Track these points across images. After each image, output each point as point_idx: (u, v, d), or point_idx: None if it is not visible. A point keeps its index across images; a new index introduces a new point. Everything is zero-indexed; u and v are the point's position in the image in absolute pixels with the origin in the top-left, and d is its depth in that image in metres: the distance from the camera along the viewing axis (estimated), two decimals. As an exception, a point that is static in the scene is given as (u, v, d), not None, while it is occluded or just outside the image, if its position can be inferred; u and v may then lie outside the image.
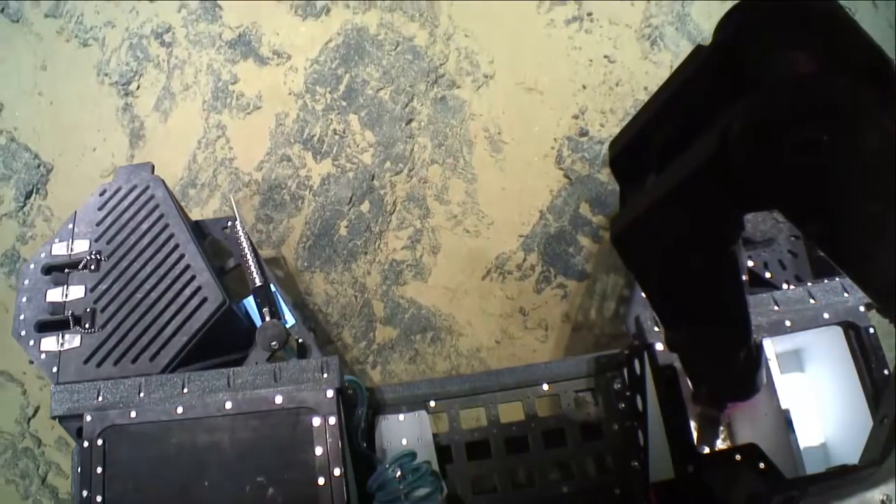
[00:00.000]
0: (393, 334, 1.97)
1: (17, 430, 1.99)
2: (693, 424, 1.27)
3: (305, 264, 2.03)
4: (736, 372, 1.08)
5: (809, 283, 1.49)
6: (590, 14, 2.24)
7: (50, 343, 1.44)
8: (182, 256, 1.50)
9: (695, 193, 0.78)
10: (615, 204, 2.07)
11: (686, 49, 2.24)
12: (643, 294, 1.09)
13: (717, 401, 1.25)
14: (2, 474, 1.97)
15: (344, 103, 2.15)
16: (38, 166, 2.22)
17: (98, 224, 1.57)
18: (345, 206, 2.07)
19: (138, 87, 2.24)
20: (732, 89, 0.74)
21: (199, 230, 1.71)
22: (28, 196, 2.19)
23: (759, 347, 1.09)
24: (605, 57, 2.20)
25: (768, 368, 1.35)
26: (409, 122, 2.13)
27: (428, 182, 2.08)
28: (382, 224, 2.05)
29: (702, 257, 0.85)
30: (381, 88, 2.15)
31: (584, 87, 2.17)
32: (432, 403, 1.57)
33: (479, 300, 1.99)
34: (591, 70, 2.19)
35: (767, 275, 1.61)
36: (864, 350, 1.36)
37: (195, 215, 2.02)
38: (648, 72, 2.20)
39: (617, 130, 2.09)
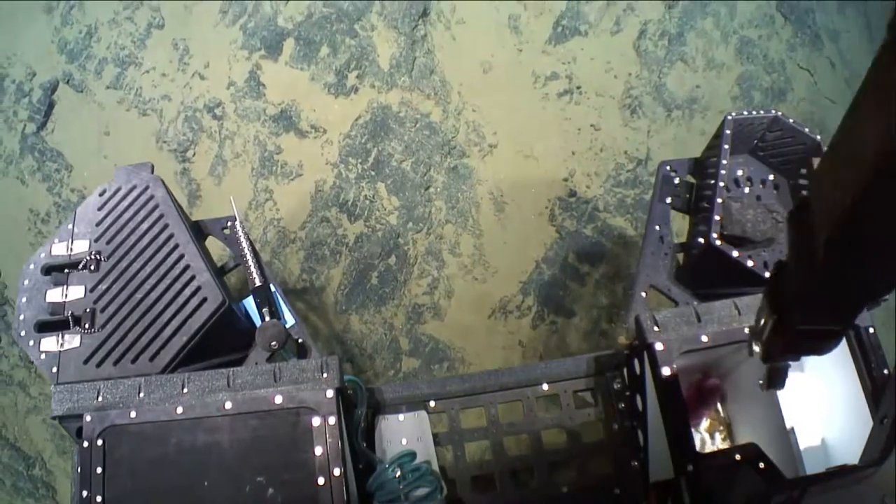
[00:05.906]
0: (416, 364, 2.30)
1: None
2: (770, 370, 1.05)
3: (343, 308, 2.38)
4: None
5: (810, 283, 1.46)
6: (579, 87, 2.59)
7: (50, 343, 1.41)
8: (182, 256, 1.48)
9: None
10: (597, 254, 2.48)
11: (661, 115, 2.62)
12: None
13: (796, 351, 1.04)
14: (69, 474, 2.28)
15: (373, 173, 2.49)
16: (108, 220, 2.59)
17: (98, 224, 1.55)
18: (375, 259, 2.42)
19: (194, 154, 2.57)
20: None
21: (199, 230, 1.68)
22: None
23: None
24: (592, 125, 2.56)
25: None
26: (427, 188, 2.47)
27: (443, 238, 2.41)
28: (406, 274, 2.39)
29: None
30: (404, 160, 2.49)
31: (573, 153, 2.52)
32: (432, 403, 1.54)
33: (486, 335, 2.30)
34: (579, 138, 2.54)
35: (767, 275, 1.51)
36: (863, 350, 1.32)
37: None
38: (629, 137, 2.55)
39: (601, 191, 2.51)
